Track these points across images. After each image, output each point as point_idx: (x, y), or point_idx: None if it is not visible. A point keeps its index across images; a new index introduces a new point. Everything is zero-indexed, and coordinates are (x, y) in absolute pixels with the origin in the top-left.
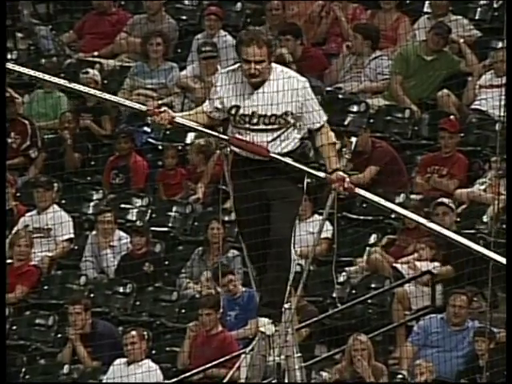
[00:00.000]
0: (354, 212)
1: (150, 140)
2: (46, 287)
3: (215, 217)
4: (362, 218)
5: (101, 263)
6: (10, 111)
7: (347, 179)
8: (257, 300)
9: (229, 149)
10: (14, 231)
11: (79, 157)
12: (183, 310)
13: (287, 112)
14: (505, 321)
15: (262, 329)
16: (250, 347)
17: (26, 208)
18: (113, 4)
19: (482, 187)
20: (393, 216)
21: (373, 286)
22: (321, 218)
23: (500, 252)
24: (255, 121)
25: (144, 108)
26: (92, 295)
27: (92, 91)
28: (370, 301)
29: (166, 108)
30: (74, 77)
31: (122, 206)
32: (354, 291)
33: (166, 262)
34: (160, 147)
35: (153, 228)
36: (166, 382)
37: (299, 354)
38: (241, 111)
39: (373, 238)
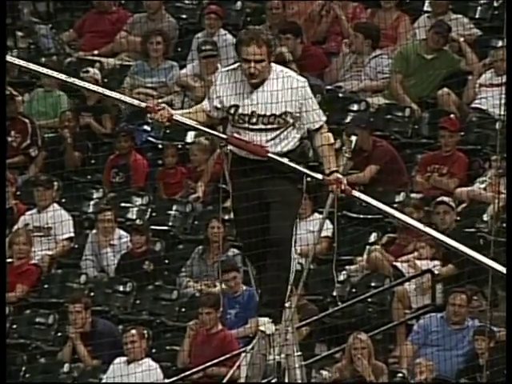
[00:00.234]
0: (354, 211)
1: (150, 139)
2: (46, 286)
3: (215, 215)
4: (362, 216)
5: (101, 262)
6: (10, 109)
7: (344, 181)
8: (257, 299)
9: (229, 147)
10: (13, 230)
11: (79, 155)
12: (183, 309)
13: (286, 112)
14: (505, 320)
15: (262, 328)
16: (250, 346)
17: (26, 207)
18: (113, 3)
19: (482, 186)
20: None
21: (373, 284)
22: (321, 216)
23: (499, 253)
24: (254, 120)
25: (143, 105)
26: (92, 294)
27: (91, 86)
28: (370, 299)
29: (165, 105)
30: (75, 75)
31: (122, 204)
32: (354, 290)
33: (166, 261)
34: (160, 146)
35: (153, 227)
36: (166, 380)
37: (299, 353)
38: (240, 110)
39: (373, 237)
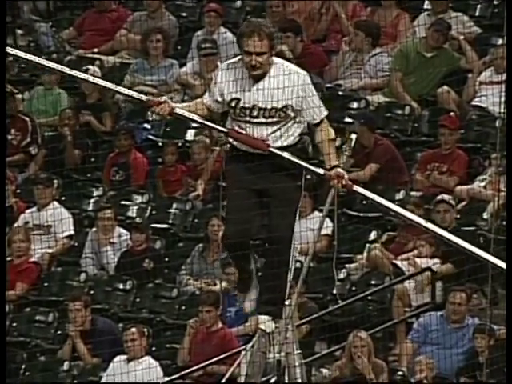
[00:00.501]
0: (354, 209)
1: (150, 137)
2: (46, 284)
3: (215, 213)
4: (362, 214)
5: (101, 260)
6: (9, 106)
7: (346, 176)
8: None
9: (228, 145)
10: (12, 228)
11: (79, 153)
12: (183, 307)
13: (287, 105)
14: (505, 318)
15: (262, 326)
16: (250, 344)
17: (25, 205)
18: (113, 1)
19: (482, 184)
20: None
21: (373, 282)
22: (321, 214)
23: (499, 251)
24: (255, 114)
25: (144, 98)
26: (92, 292)
27: (93, 79)
28: (370, 297)
29: (166, 98)
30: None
31: (122, 202)
32: (354, 288)
33: (166, 259)
34: (160, 144)
35: (153, 225)
36: (166, 378)
37: (299, 351)
38: (241, 104)
39: (373, 235)
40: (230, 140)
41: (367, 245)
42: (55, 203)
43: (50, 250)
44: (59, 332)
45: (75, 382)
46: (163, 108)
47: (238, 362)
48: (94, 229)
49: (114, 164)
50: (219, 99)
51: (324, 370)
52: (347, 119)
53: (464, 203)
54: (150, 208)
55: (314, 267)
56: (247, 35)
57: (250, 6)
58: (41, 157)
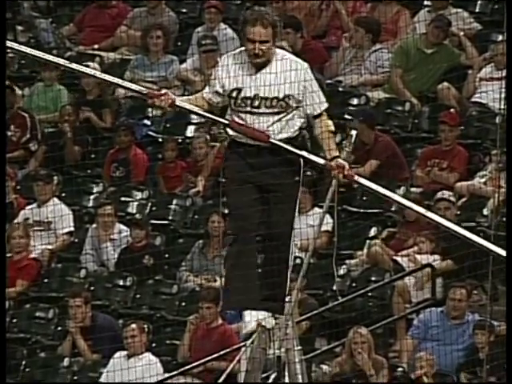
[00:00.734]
0: (354, 205)
1: (150, 133)
2: (46, 280)
3: (215, 210)
4: (362, 210)
5: (101, 256)
6: (9, 100)
7: (347, 166)
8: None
9: (228, 141)
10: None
11: (79, 150)
12: (183, 303)
13: (289, 95)
14: (505, 314)
15: (262, 322)
16: (250, 340)
17: (26, 201)
18: None
19: (483, 180)
20: (393, 209)
21: (373, 278)
22: (321, 210)
23: (500, 244)
24: (257, 103)
25: (145, 90)
26: (92, 288)
27: (93, 71)
28: (370, 294)
29: (166, 91)
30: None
31: (122, 199)
32: (354, 284)
33: (166, 255)
34: (160, 140)
35: (153, 221)
36: (166, 375)
37: (299, 347)
38: (242, 94)
39: (373, 231)
40: (230, 132)
41: (367, 241)
42: (55, 199)
43: (50, 247)
44: (59, 328)
45: (75, 378)
46: (164, 100)
47: (238, 358)
48: (94, 225)
49: (114, 160)
50: (220, 90)
51: (324, 367)
52: (347, 116)
53: (464, 199)
54: (150, 204)
55: (314, 263)
56: (251, 23)
57: (250, 2)
58: (41, 153)
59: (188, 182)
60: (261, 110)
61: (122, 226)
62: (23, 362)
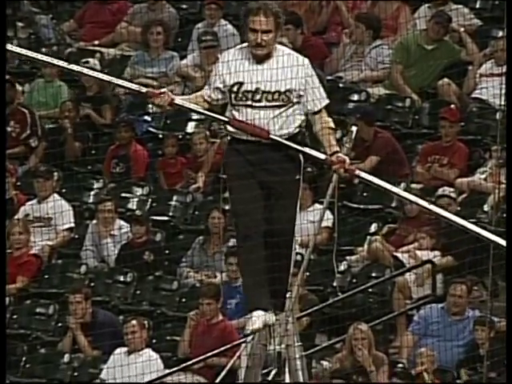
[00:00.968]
0: (354, 201)
1: (151, 129)
2: (46, 276)
3: (216, 206)
4: (362, 207)
5: (101, 252)
6: (9, 96)
7: (348, 161)
8: None
9: (228, 137)
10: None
11: (79, 146)
12: (184, 299)
13: (291, 89)
14: (505, 310)
15: (265, 320)
16: (250, 336)
17: (26, 197)
18: None
19: (483, 176)
20: (393, 205)
21: (373, 274)
22: (321, 207)
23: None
24: (258, 97)
25: (144, 90)
26: (92, 284)
27: (92, 72)
28: (370, 290)
29: (165, 90)
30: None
31: (123, 195)
32: (354, 280)
33: (167, 251)
34: (160, 136)
35: (153, 217)
36: (167, 371)
37: (300, 343)
38: (244, 87)
39: (373, 227)
40: (230, 129)
41: (368, 237)
42: (55, 195)
43: (51, 243)
44: (60, 324)
45: (76, 374)
46: (163, 99)
47: (238, 354)
48: (94, 221)
49: (115, 156)
50: (221, 86)
51: (324, 363)
52: (346, 113)
53: (464, 195)
54: (150, 200)
55: (314, 259)
56: (253, 13)
57: None
58: (41, 149)
59: (188, 178)
60: (262, 104)
61: (123, 222)
62: (23, 358)
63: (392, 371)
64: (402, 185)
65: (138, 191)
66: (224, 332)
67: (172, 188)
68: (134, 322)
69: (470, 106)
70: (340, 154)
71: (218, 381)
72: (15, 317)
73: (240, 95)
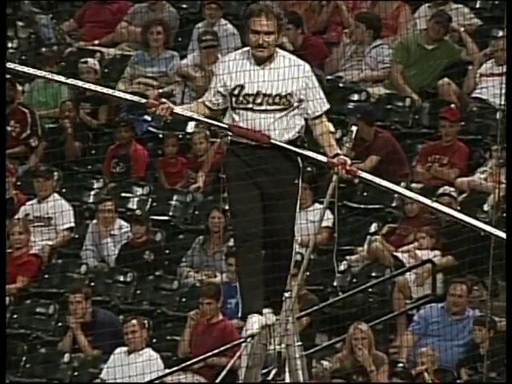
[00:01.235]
0: (354, 201)
1: (151, 129)
2: (46, 276)
3: (216, 206)
4: (362, 206)
5: (101, 252)
6: (9, 96)
7: (349, 162)
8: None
9: (229, 138)
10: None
11: (79, 146)
12: (184, 299)
13: (291, 93)
14: (505, 309)
15: (264, 322)
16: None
17: (26, 197)
18: None
19: (483, 176)
20: (393, 204)
21: (373, 274)
22: (321, 206)
23: (499, 243)
24: (259, 101)
25: (143, 100)
26: (92, 284)
27: (91, 86)
28: (370, 289)
29: (165, 100)
30: (74, 65)
31: (123, 194)
32: (354, 280)
33: (167, 251)
34: (160, 136)
35: (153, 217)
36: (167, 370)
37: (300, 343)
38: (245, 91)
39: (373, 227)
40: (231, 135)
41: (368, 237)
42: (56, 195)
43: (51, 242)
44: (60, 324)
45: (76, 374)
46: (163, 109)
47: (238, 353)
48: (94, 221)
49: (115, 156)
50: (221, 90)
51: (325, 362)
52: (346, 113)
53: (464, 195)
54: (150, 200)
55: (314, 259)
56: (255, 14)
57: None
58: (41, 149)
59: (188, 177)
60: (262, 107)
61: (123, 222)
62: (24, 358)
63: (392, 371)
64: (402, 184)
65: (138, 191)
66: (224, 332)
67: (172, 188)
68: (134, 321)
69: (470, 105)
70: (341, 156)
71: (218, 381)
72: (15, 316)
73: (241, 98)
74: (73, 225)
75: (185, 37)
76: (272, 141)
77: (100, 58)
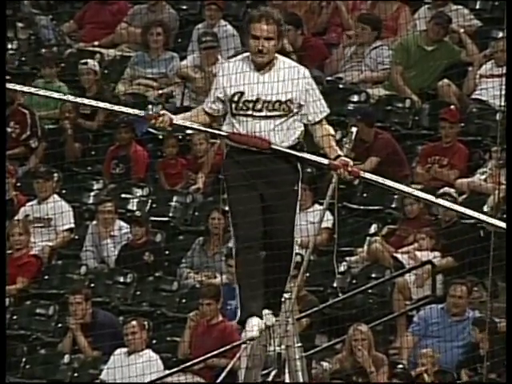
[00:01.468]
0: (354, 202)
1: (151, 130)
2: (46, 277)
3: (216, 207)
4: (362, 207)
5: (101, 253)
6: (9, 97)
7: (351, 163)
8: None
9: (227, 148)
10: (12, 221)
11: (79, 147)
12: (184, 300)
13: (292, 99)
14: (505, 310)
15: (263, 325)
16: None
17: (26, 198)
18: None
19: (483, 177)
20: (393, 206)
21: (373, 275)
22: (321, 207)
23: (499, 243)
24: (259, 107)
25: (143, 113)
26: (92, 285)
27: (89, 102)
28: (370, 291)
29: (164, 112)
30: (74, 66)
31: (123, 195)
32: (354, 281)
33: (167, 252)
34: (160, 137)
35: (153, 218)
36: (167, 371)
37: (300, 344)
38: (244, 97)
39: (373, 228)
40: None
41: (367, 238)
42: (55, 196)
43: (51, 243)
44: (60, 325)
45: (76, 375)
46: (163, 120)
47: (238, 355)
48: (94, 222)
49: (115, 157)
50: (221, 96)
51: (324, 363)
52: (346, 115)
53: (464, 196)
54: (150, 201)
55: (314, 260)
56: (256, 20)
57: None
58: (41, 150)
59: (188, 178)
60: (262, 114)
61: (123, 223)
62: (23, 359)
63: (392, 372)
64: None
65: (138, 192)
66: (224, 333)
67: (172, 189)
68: (134, 322)
69: (469, 106)
70: (343, 158)
71: (218, 382)
72: (15, 317)
73: (240, 105)
74: (73, 226)
75: (185, 38)
76: (273, 146)
77: (100, 59)
